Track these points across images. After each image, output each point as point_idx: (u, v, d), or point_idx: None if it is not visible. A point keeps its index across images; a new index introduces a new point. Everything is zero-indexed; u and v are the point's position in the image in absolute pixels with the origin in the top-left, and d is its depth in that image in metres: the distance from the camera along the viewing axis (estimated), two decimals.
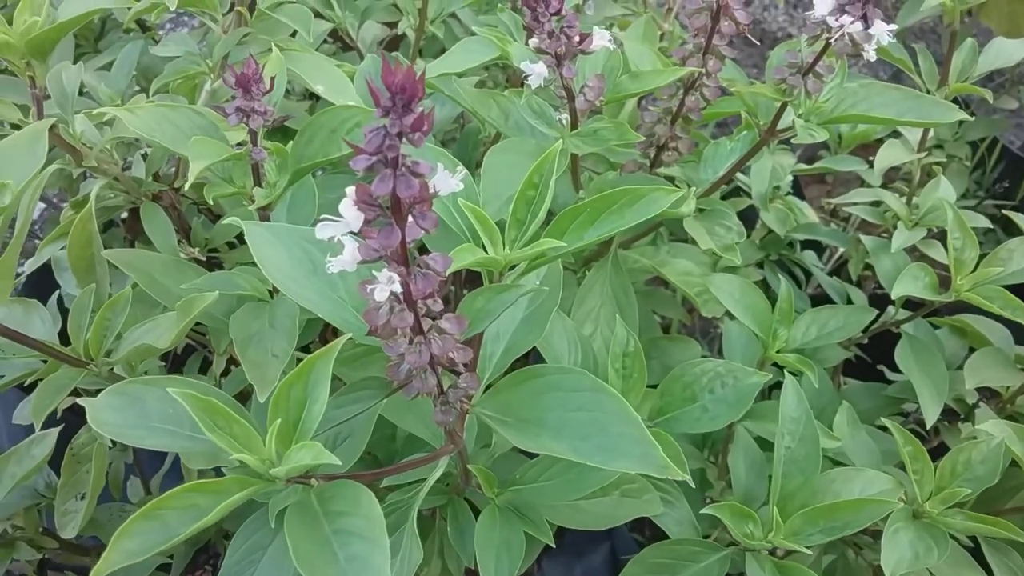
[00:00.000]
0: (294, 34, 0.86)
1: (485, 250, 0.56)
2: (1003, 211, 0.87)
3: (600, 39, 0.63)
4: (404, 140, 0.40)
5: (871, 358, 1.15)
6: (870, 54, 0.69)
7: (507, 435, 0.50)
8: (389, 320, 0.46)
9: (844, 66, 0.76)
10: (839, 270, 1.33)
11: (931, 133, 0.96)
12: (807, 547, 0.64)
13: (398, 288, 0.43)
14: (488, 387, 0.57)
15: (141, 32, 1.15)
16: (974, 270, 0.80)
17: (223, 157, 0.57)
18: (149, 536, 0.43)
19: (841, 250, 1.33)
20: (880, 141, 1.40)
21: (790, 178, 1.08)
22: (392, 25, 1.04)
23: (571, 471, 0.63)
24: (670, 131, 0.77)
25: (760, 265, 1.13)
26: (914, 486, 0.71)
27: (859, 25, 0.65)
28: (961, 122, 1.61)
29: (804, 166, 1.05)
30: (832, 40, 0.66)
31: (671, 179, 0.84)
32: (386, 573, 0.41)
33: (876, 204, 0.98)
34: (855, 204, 0.98)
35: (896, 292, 0.77)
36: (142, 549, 0.43)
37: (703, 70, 0.71)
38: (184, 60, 0.83)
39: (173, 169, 0.81)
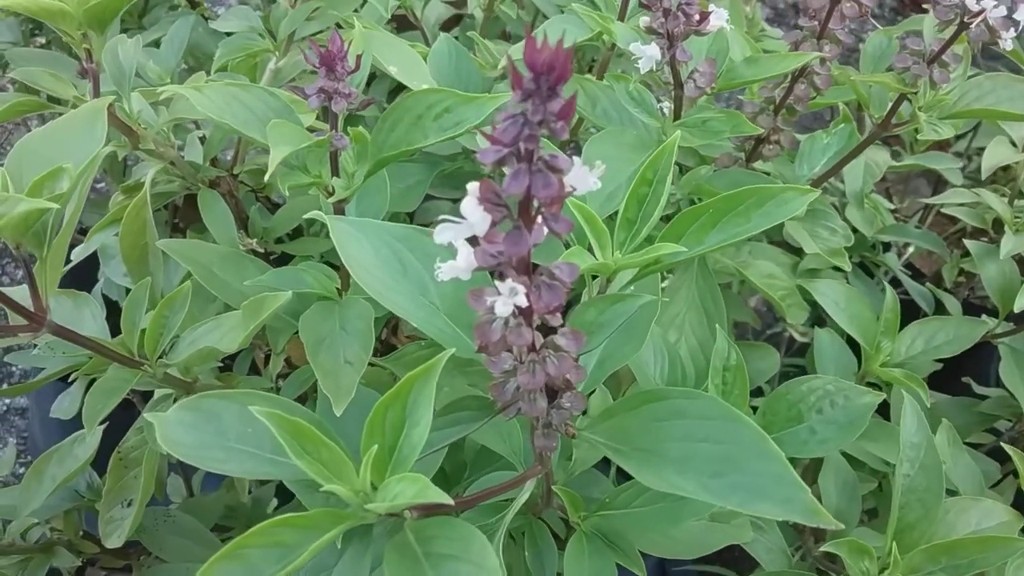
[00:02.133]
0: (359, 8, 0.80)
1: (593, 254, 0.50)
2: None
3: (718, 19, 0.57)
4: (545, 130, 0.34)
5: (947, 369, 1.08)
6: (1007, 43, 0.62)
7: (627, 467, 0.45)
8: (504, 336, 0.40)
9: (969, 56, 0.69)
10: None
11: None
12: None
13: (523, 301, 0.37)
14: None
15: (191, 8, 1.10)
16: None
17: (304, 144, 0.51)
18: None
19: (908, 253, 1.27)
20: (949, 140, 1.33)
21: (881, 174, 1.02)
22: (458, 4, 0.98)
23: (668, 498, 0.57)
24: (773, 123, 0.70)
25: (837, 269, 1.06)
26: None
27: (1003, 9, 0.58)
28: None
29: (895, 163, 0.98)
30: (971, 25, 0.60)
31: (766, 175, 0.78)
32: None
33: (974, 205, 0.91)
34: (951, 204, 0.91)
35: (1020, 305, 0.70)
36: None
37: (820, 56, 0.64)
38: (242, 36, 0.77)
39: (231, 154, 0.76)
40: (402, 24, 1.05)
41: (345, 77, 0.52)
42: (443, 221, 0.36)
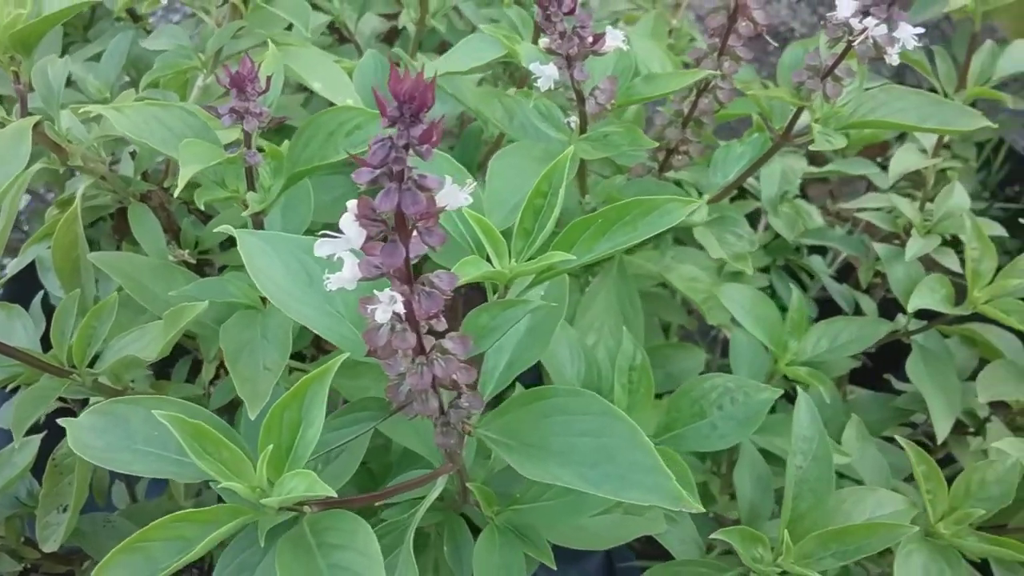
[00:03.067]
0: (290, 27, 0.83)
1: (491, 263, 0.53)
2: (1021, 219, 0.85)
3: (613, 39, 0.60)
4: (411, 152, 0.37)
5: (876, 365, 1.12)
6: (893, 58, 0.66)
7: (511, 460, 0.48)
8: (390, 341, 0.43)
9: (864, 70, 0.73)
10: (842, 275, 1.31)
11: (945, 137, 0.94)
12: (819, 572, 0.62)
13: (400, 308, 0.41)
14: (489, 406, 0.55)
15: (132, 22, 1.12)
16: (991, 282, 0.77)
17: (215, 161, 0.54)
18: (132, 570, 0.40)
19: (844, 254, 1.31)
20: (887, 143, 1.38)
21: (798, 182, 1.06)
22: (392, 17, 1.01)
23: (573, 492, 0.60)
24: (681, 135, 0.74)
25: (766, 270, 1.10)
26: (927, 506, 0.69)
27: (884, 28, 0.62)
28: None
29: (814, 169, 1.02)
30: (855, 43, 0.64)
31: (679, 183, 0.81)
32: None
33: (889, 210, 0.95)
34: (866, 209, 0.95)
35: (913, 305, 0.74)
36: None
37: (718, 72, 0.68)
38: (175, 54, 0.80)
39: (163, 167, 0.78)
40: (346, 38, 1.08)
41: (256, 97, 0.55)
42: (322, 235, 0.39)
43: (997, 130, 1.54)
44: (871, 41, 0.64)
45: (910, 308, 0.74)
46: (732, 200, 1.12)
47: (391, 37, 1.16)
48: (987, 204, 1.60)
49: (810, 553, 0.63)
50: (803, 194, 1.48)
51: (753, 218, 1.07)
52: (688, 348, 0.93)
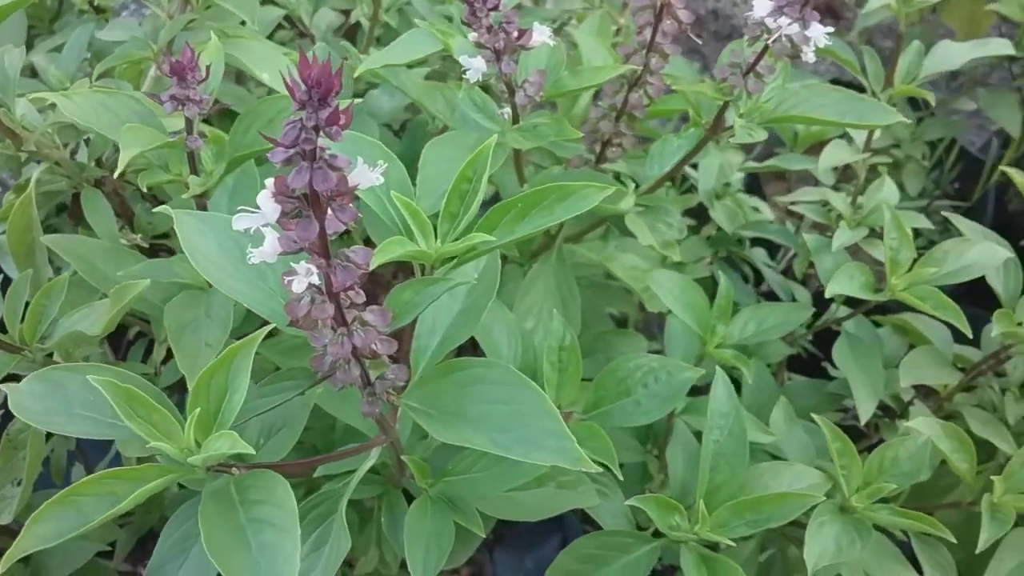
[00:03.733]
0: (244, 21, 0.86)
1: (416, 243, 0.57)
2: (943, 213, 0.89)
3: (540, 35, 0.64)
4: (322, 134, 0.41)
5: (818, 355, 1.17)
6: (809, 56, 0.70)
7: (428, 426, 0.51)
8: (310, 311, 0.46)
9: (786, 67, 0.77)
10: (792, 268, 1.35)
11: (877, 133, 0.98)
12: (732, 539, 0.66)
13: (316, 280, 0.44)
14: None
15: (95, 14, 1.14)
16: (910, 270, 0.81)
17: (154, 145, 0.57)
18: (63, 521, 0.44)
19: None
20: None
21: (741, 175, 1.10)
22: (348, 13, 1.04)
23: (501, 463, 0.64)
24: (614, 127, 0.78)
25: (712, 261, 1.14)
26: (841, 481, 0.73)
27: (796, 27, 0.66)
28: (919, 122, 1.64)
29: (755, 164, 1.06)
30: (771, 42, 0.67)
31: (618, 174, 0.85)
32: (295, 562, 0.42)
33: (823, 203, 0.99)
34: (802, 202, 0.99)
35: (830, 291, 0.78)
36: (55, 534, 0.43)
37: (646, 67, 0.72)
38: (131, 45, 0.82)
39: (117, 154, 0.80)
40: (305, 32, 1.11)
41: (196, 85, 0.58)
42: (241, 210, 0.42)
43: (947, 129, 1.60)
44: (786, 40, 0.68)
45: (827, 294, 0.78)
46: (681, 193, 1.16)
47: (352, 32, 1.19)
48: (928, 202, 1.65)
49: (725, 522, 0.67)
50: (760, 190, 1.52)
51: (703, 212, 1.11)
52: (631, 335, 0.97)
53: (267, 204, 0.42)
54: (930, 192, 1.79)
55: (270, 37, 1.15)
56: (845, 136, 1.16)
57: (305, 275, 0.44)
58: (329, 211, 0.43)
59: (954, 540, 0.70)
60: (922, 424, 0.75)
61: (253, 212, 0.42)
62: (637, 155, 0.88)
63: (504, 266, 0.93)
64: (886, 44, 0.94)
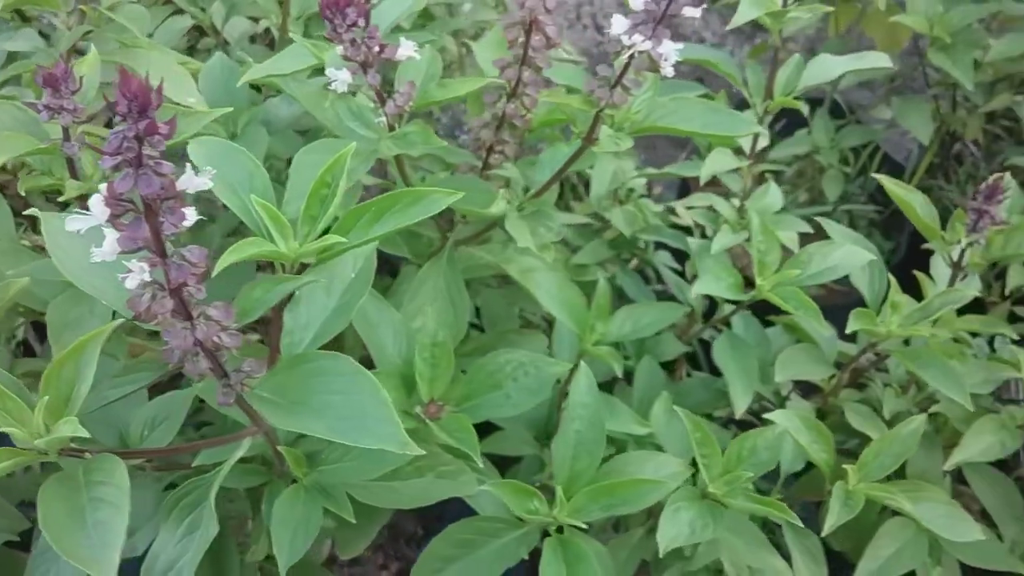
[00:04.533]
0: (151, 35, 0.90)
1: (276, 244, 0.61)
2: (815, 218, 0.94)
3: (405, 49, 0.68)
4: (146, 143, 0.44)
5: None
6: (667, 70, 0.75)
7: (273, 415, 0.55)
8: (150, 306, 0.50)
9: (656, 80, 0.82)
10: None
11: (764, 140, 1.02)
12: (587, 522, 0.70)
13: (147, 277, 0.48)
14: None
15: (21, 22, 1.17)
16: (778, 271, 0.86)
17: (25, 150, 0.61)
18: None
19: None
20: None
21: (642, 181, 1.15)
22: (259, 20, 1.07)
23: (369, 453, 0.68)
24: (495, 136, 0.82)
25: (627, 261, 1.19)
26: (702, 469, 0.78)
27: (649, 44, 0.71)
28: (838, 130, 1.70)
29: (653, 171, 1.11)
30: (627, 57, 0.72)
31: (508, 180, 0.89)
32: (121, 535, 0.46)
33: (712, 208, 1.04)
34: (694, 207, 1.04)
35: (696, 291, 0.83)
36: None
37: (519, 80, 0.76)
38: (40, 55, 0.86)
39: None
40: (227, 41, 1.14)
41: (70, 95, 0.62)
42: (74, 213, 0.46)
43: (864, 136, 1.66)
44: (644, 56, 0.73)
45: (693, 293, 0.83)
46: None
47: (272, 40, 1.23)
48: (833, 207, 1.70)
49: (582, 507, 0.71)
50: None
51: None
52: (532, 334, 1.01)
53: (97, 207, 0.45)
54: (854, 197, 1.86)
55: (193, 46, 1.19)
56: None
57: (138, 272, 0.47)
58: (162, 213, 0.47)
59: (800, 523, 0.75)
60: (780, 416, 0.80)
61: (85, 214, 0.46)
62: (533, 161, 0.92)
63: (403, 267, 0.98)
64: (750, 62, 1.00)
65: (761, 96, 0.95)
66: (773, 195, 1.00)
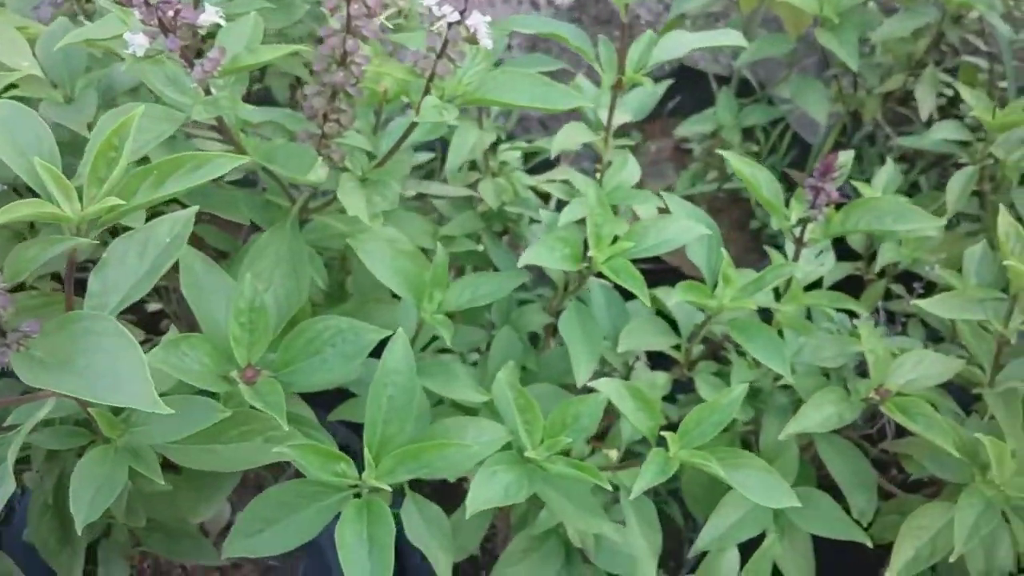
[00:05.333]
0: None
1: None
2: (660, 192, 0.96)
3: (209, 16, 0.68)
4: None
5: None
6: (486, 42, 0.76)
7: (39, 377, 0.56)
8: None
9: (488, 53, 0.82)
10: None
11: (627, 116, 1.04)
12: (394, 484, 0.72)
13: None
14: None
15: None
16: (613, 243, 0.88)
17: None
18: None
19: None
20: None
21: (516, 154, 1.16)
22: None
23: (179, 415, 0.69)
24: (328, 105, 0.82)
25: (501, 233, 1.20)
26: (523, 434, 0.79)
27: (457, 16, 0.72)
28: (741, 109, 1.71)
29: (524, 144, 1.13)
30: (436, 27, 0.73)
31: (351, 148, 0.90)
32: None
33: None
34: (553, 181, 1.06)
35: (523, 261, 0.84)
36: None
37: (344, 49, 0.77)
38: None
39: None
40: None
41: None
42: None
43: (765, 115, 1.68)
44: (461, 28, 0.74)
45: (521, 262, 0.85)
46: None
47: None
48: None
49: (391, 470, 0.73)
50: None
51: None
52: (390, 303, 1.02)
53: None
54: None
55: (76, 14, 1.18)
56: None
57: None
58: None
59: (609, 488, 0.77)
60: (603, 384, 0.82)
61: None
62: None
63: (253, 236, 0.98)
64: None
65: (613, 71, 0.96)
66: (631, 169, 1.02)
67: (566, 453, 0.81)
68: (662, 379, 1.05)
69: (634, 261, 0.89)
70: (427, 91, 0.81)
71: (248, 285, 0.75)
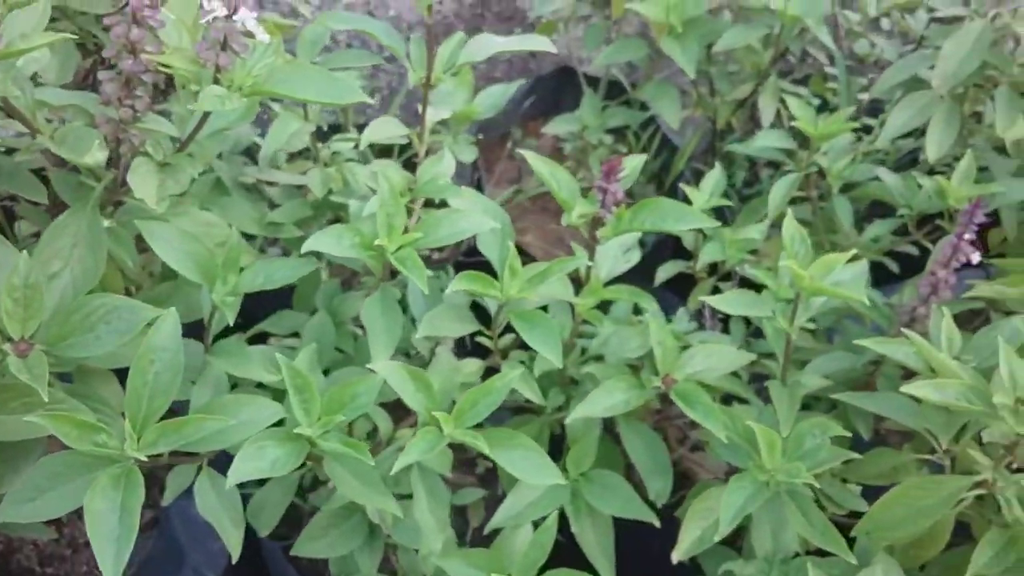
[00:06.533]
0: None
1: None
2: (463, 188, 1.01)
3: None
4: None
5: None
6: (263, 37, 0.80)
7: None
8: None
9: (277, 45, 0.86)
10: None
11: (447, 117, 1.08)
12: (154, 455, 0.75)
13: None
14: None
15: None
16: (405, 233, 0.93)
17: None
18: None
19: None
20: None
21: (349, 144, 1.20)
22: None
23: None
24: (123, 91, 0.85)
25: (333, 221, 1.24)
26: (298, 411, 0.84)
27: (224, 11, 0.75)
28: (604, 109, 1.77)
29: (354, 135, 1.17)
30: (208, 22, 0.76)
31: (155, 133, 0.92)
32: None
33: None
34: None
35: (306, 247, 0.88)
36: None
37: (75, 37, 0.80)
38: None
39: None
40: None
41: None
42: None
43: (629, 118, 1.74)
44: (238, 23, 0.77)
45: (303, 249, 0.89)
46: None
47: None
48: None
49: (153, 442, 0.76)
50: None
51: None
52: (194, 285, 1.05)
53: None
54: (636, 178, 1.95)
55: None
56: None
57: None
58: None
59: (371, 463, 0.81)
60: (379, 366, 0.87)
61: None
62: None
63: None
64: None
65: (423, 69, 1.01)
66: (447, 163, 1.06)
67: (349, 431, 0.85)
68: (474, 366, 1.10)
69: (466, 254, 0.94)
70: (215, 81, 0.84)
71: (24, 262, 0.78)
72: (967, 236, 1.08)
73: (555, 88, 2.14)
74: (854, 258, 1.09)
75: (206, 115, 0.88)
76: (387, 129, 1.01)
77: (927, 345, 0.97)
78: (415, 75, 1.00)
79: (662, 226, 0.98)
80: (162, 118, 0.92)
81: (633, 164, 1.00)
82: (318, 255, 0.97)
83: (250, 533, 1.08)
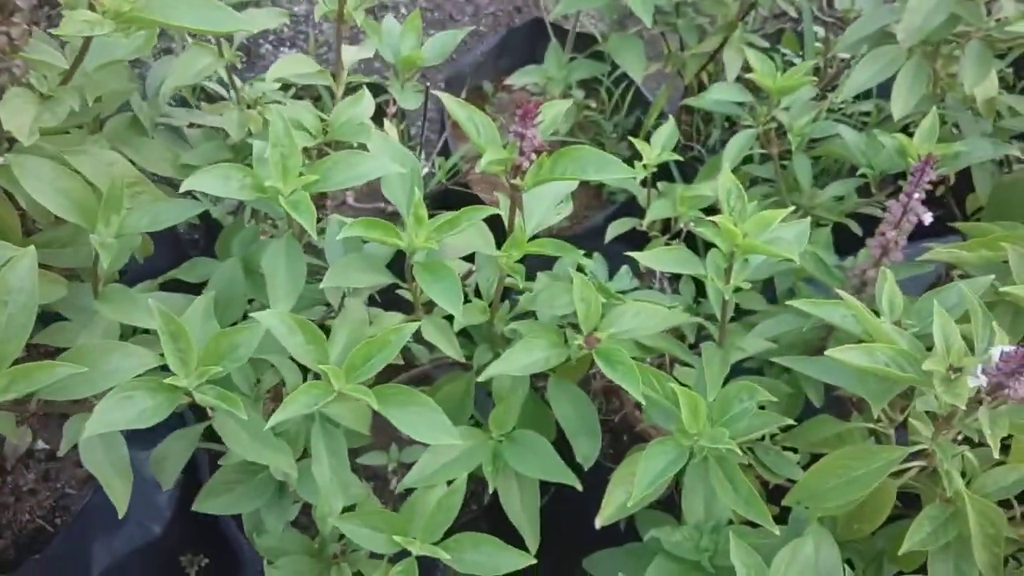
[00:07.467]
0: None
1: None
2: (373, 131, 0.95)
3: None
4: None
5: None
6: None
7: None
8: None
9: None
10: None
11: (357, 53, 1.02)
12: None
13: None
14: None
15: None
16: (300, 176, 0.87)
17: None
18: None
19: None
20: None
21: (275, 85, 1.14)
22: None
23: None
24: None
25: None
26: (175, 362, 0.79)
27: None
28: (571, 61, 1.69)
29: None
30: None
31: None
32: None
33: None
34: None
35: (185, 186, 0.82)
36: None
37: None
38: None
39: None
40: None
41: None
42: None
43: (592, 69, 1.66)
44: None
45: (183, 188, 0.83)
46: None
47: None
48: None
49: (4, 387, 0.72)
50: None
51: None
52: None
53: None
54: (608, 134, 1.89)
55: None
56: None
57: None
58: None
59: (245, 417, 0.77)
60: (264, 315, 0.82)
61: None
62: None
63: None
64: None
65: (334, 4, 0.94)
66: (365, 105, 1.00)
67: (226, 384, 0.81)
68: (396, 319, 1.05)
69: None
70: (91, 7, 0.78)
71: None
72: (917, 195, 1.01)
73: (530, 40, 2.07)
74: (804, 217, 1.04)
75: (87, 43, 0.83)
76: (295, 66, 0.95)
77: (861, 307, 0.90)
78: (323, 7, 0.94)
79: (582, 175, 0.92)
80: (46, 47, 0.86)
81: (555, 111, 0.93)
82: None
83: (194, 484, 1.05)
